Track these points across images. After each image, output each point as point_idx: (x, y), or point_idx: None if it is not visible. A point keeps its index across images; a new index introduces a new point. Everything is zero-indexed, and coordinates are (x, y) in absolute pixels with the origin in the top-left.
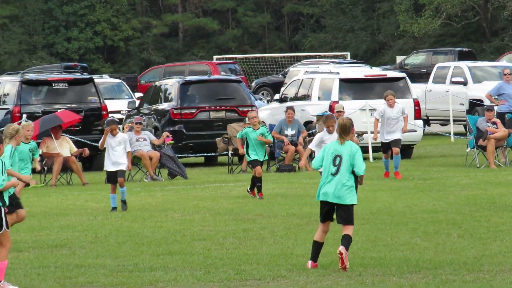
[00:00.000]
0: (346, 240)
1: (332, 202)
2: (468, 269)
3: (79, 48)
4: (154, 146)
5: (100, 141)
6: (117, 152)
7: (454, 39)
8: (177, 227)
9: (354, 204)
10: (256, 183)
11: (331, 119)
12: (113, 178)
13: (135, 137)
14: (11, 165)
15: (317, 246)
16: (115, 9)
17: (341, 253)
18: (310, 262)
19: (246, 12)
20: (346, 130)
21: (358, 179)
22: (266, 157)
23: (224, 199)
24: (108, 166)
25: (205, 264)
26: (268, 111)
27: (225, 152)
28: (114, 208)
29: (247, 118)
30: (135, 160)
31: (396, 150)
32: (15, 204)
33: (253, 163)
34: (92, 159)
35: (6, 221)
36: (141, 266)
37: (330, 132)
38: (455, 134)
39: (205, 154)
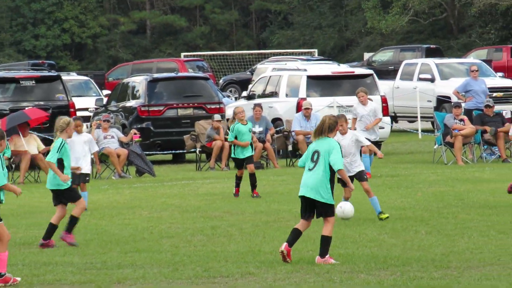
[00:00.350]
0: (322, 246)
1: (310, 198)
2: (436, 266)
3: (47, 46)
4: (122, 144)
5: None
6: (80, 151)
7: (421, 36)
8: (145, 224)
9: (331, 204)
10: (236, 180)
11: (340, 119)
12: (76, 178)
13: (102, 135)
14: (61, 158)
15: (296, 233)
16: (83, 6)
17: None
18: (285, 244)
19: (213, 9)
20: (328, 129)
21: (342, 179)
22: (253, 152)
23: (192, 197)
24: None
25: (173, 262)
26: None
27: (193, 150)
28: None
29: (214, 116)
30: (103, 157)
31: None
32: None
33: (236, 163)
34: None
35: None
36: (109, 264)
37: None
38: (423, 131)
39: (173, 151)
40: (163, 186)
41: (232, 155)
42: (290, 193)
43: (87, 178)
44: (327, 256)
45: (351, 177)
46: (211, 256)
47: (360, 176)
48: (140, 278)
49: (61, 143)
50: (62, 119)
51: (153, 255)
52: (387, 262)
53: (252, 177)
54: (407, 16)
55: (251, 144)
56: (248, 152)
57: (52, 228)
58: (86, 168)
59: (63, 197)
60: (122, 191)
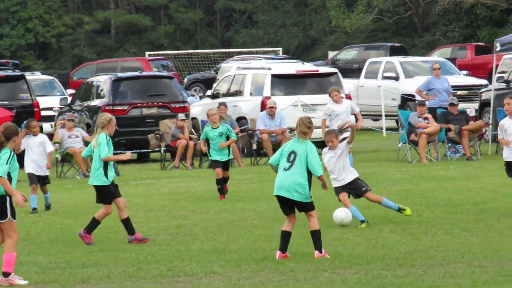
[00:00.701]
0: (315, 241)
1: (286, 197)
2: (400, 264)
3: (11, 45)
4: (86, 143)
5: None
6: (37, 153)
7: (386, 34)
8: (109, 223)
9: (310, 201)
10: (217, 184)
11: (330, 135)
12: (35, 179)
13: (67, 134)
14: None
15: (285, 236)
16: (47, 5)
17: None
18: (278, 252)
19: (178, 8)
20: (306, 128)
21: (321, 182)
22: (231, 156)
23: (157, 196)
24: (29, 168)
25: (137, 261)
26: (200, 107)
27: (157, 149)
28: (34, 209)
29: (179, 115)
30: (67, 157)
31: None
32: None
33: (213, 165)
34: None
35: (12, 211)
36: (73, 263)
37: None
38: (387, 129)
39: (138, 150)
40: (127, 185)
41: (210, 157)
42: (254, 192)
43: (46, 181)
44: (323, 250)
45: (343, 186)
46: (176, 255)
47: (358, 190)
48: (104, 277)
49: (107, 138)
50: (104, 116)
51: (117, 254)
52: (351, 261)
53: (225, 181)
54: (371, 14)
55: (229, 148)
56: (224, 156)
57: (127, 223)
58: (47, 171)
59: (96, 193)
60: (86, 190)
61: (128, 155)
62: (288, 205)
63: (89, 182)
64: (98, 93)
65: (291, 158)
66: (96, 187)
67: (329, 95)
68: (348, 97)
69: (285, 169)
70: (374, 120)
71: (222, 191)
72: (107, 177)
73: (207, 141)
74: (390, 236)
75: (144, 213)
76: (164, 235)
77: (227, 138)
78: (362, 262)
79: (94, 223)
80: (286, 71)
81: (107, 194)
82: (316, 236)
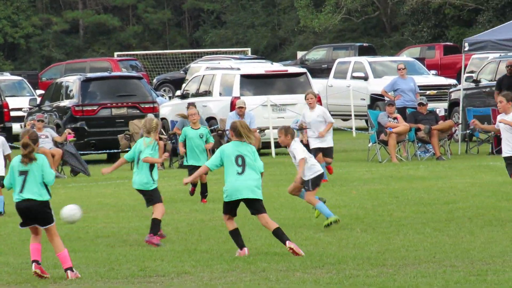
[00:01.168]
0: (280, 236)
1: (238, 200)
2: (371, 264)
3: None
4: (56, 143)
5: None
6: None
7: (354, 34)
8: (80, 224)
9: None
10: (197, 187)
11: (280, 131)
12: None
13: None
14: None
15: (236, 233)
16: (15, 6)
17: (291, 249)
18: (243, 250)
19: (146, 8)
20: (243, 132)
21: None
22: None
23: (127, 196)
24: None
25: (108, 261)
26: (169, 108)
27: (127, 149)
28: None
29: (148, 115)
30: None
31: (328, 160)
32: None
33: (189, 171)
34: None
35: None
36: (45, 264)
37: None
38: (357, 129)
39: (108, 151)
40: (98, 185)
41: (185, 163)
42: None
43: (1, 182)
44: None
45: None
46: (147, 255)
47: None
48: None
49: (154, 143)
50: (154, 121)
51: (88, 255)
52: (322, 260)
53: (204, 186)
54: (339, 14)
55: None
56: (203, 161)
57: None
58: (1, 171)
59: (144, 196)
60: (57, 191)
61: (165, 155)
62: (236, 207)
63: (135, 186)
64: (67, 94)
65: (240, 161)
66: (143, 191)
67: (305, 97)
68: (318, 97)
69: (239, 173)
70: (344, 120)
71: (195, 184)
72: (153, 180)
73: (184, 143)
74: (362, 235)
75: (114, 213)
76: (135, 235)
77: (206, 141)
78: (334, 261)
79: (155, 224)
80: (255, 71)
81: (156, 195)
82: (279, 232)
